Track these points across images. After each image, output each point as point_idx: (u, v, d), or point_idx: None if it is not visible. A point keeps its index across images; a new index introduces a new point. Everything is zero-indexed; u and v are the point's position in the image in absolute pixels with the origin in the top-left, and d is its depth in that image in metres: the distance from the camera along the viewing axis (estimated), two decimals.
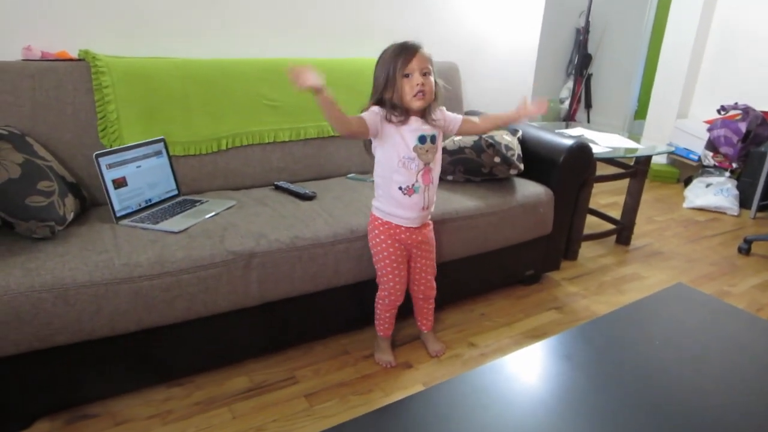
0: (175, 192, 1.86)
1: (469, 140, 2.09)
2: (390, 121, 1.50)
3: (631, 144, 2.69)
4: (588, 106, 5.49)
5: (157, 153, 1.80)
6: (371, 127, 1.49)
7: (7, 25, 1.80)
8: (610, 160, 2.84)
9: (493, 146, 2.06)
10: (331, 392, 1.63)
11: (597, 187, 3.09)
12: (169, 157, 1.84)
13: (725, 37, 3.90)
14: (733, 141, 3.51)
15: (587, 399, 1.01)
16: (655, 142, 3.11)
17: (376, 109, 1.50)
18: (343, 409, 1.57)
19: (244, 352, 1.72)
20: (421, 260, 1.70)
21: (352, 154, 2.25)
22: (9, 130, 1.55)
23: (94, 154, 1.60)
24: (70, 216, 1.52)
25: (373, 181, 1.63)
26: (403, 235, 1.61)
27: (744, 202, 3.49)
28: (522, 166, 2.13)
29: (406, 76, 1.46)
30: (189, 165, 1.93)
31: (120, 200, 1.64)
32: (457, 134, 1.71)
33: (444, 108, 1.62)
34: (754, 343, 1.23)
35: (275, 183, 2.03)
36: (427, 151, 1.54)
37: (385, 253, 1.62)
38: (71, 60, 1.81)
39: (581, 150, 2.15)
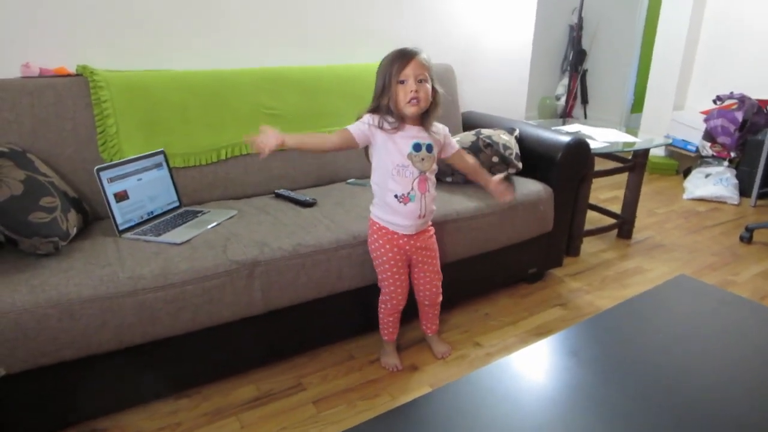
0: (177, 203, 1.86)
1: (467, 140, 2.09)
2: (382, 128, 1.50)
3: (628, 138, 2.70)
4: (584, 102, 5.50)
5: (158, 165, 1.81)
6: (358, 137, 1.51)
7: (5, 42, 1.81)
8: (608, 155, 2.84)
9: (491, 146, 2.07)
10: (338, 398, 1.64)
11: (596, 182, 3.09)
12: (170, 169, 1.85)
13: (718, 27, 3.91)
14: (730, 130, 3.51)
15: (595, 394, 1.02)
16: (652, 134, 3.12)
17: (366, 118, 1.52)
18: (351, 414, 1.57)
19: (250, 361, 1.72)
20: (424, 266, 1.69)
21: (351, 160, 2.26)
22: (10, 148, 1.56)
23: (95, 169, 1.61)
24: (73, 231, 1.53)
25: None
26: (401, 241, 1.61)
27: (744, 191, 3.50)
28: (520, 165, 2.14)
29: (401, 82, 1.46)
30: (189, 176, 1.94)
31: (122, 213, 1.64)
32: (448, 161, 1.69)
33: (448, 130, 1.62)
34: (759, 332, 1.23)
35: (275, 191, 2.03)
36: (422, 159, 1.53)
37: (385, 258, 1.62)
38: (69, 75, 1.82)
39: (579, 146, 2.16)
